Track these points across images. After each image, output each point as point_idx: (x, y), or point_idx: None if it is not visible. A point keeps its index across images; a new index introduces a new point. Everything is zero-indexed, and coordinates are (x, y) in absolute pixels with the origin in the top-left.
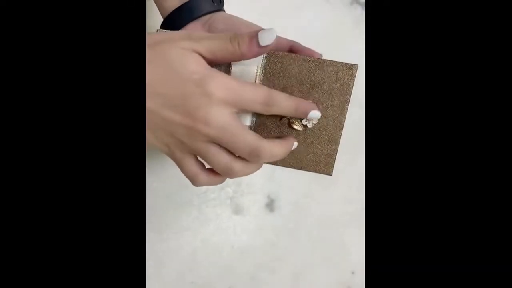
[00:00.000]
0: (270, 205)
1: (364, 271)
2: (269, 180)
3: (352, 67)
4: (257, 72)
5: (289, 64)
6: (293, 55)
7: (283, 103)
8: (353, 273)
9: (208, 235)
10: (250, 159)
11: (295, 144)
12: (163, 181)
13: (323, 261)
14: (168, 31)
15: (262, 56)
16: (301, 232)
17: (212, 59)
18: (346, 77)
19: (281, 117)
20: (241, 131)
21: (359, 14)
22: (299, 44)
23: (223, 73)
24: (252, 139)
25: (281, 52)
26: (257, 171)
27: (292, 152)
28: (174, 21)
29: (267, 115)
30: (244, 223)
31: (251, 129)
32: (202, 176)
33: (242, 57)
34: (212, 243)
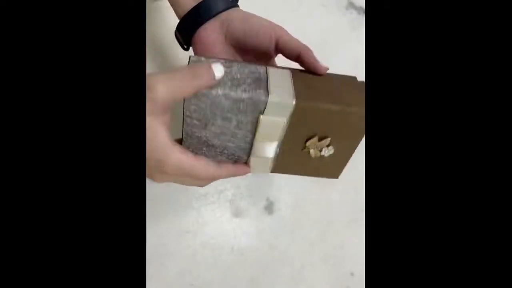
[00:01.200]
0: (269, 208)
1: (362, 272)
2: (268, 183)
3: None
4: (285, 121)
5: (314, 112)
6: (319, 105)
7: (223, 176)
8: (352, 274)
9: (207, 238)
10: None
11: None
12: (163, 184)
13: (322, 263)
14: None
15: (291, 109)
16: (300, 234)
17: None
18: (359, 121)
19: (302, 148)
20: (202, 168)
21: (355, 18)
22: (308, 52)
23: (179, 152)
24: (212, 172)
25: (308, 103)
26: (257, 174)
27: (307, 166)
28: (192, 19)
29: (289, 145)
30: (243, 225)
31: (275, 156)
32: None
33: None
34: (211, 246)
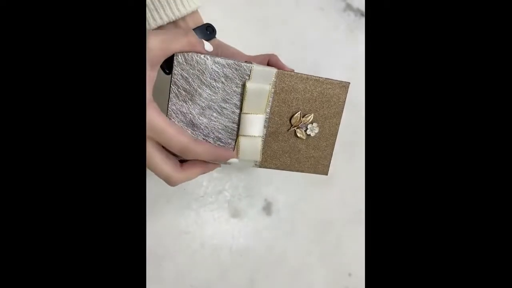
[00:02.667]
0: (267, 208)
1: (360, 272)
2: (266, 183)
3: (345, 85)
4: (269, 89)
5: (295, 82)
6: (300, 74)
7: (202, 155)
8: (350, 274)
9: (206, 239)
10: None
11: (234, 160)
12: (162, 185)
13: (320, 263)
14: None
15: (273, 76)
16: (298, 235)
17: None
18: (341, 93)
19: (288, 128)
20: (159, 162)
21: (352, 21)
22: (275, 57)
23: (155, 110)
24: (166, 171)
25: (289, 72)
26: (255, 175)
27: (296, 158)
28: None
29: (276, 125)
30: (242, 226)
31: (263, 138)
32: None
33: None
34: (210, 246)
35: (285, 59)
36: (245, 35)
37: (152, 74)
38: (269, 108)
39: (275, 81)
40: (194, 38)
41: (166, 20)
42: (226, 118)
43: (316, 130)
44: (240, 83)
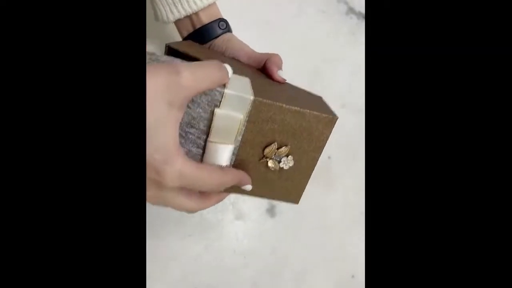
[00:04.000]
0: (271, 211)
1: (363, 274)
2: None
3: (332, 120)
4: (242, 118)
5: (274, 113)
6: (279, 104)
7: (232, 181)
8: (353, 276)
9: (210, 241)
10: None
11: (248, 186)
12: None
13: (323, 265)
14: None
15: (249, 104)
16: (302, 237)
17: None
18: (325, 128)
19: (260, 157)
20: (187, 204)
21: (355, 23)
22: (276, 57)
23: (184, 159)
24: (192, 208)
25: (267, 101)
26: None
27: (266, 185)
28: (196, 39)
29: (246, 154)
30: (245, 228)
31: (230, 165)
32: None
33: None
34: (214, 248)
35: (287, 62)
36: (247, 38)
37: (180, 115)
38: (240, 137)
39: (251, 110)
40: (225, 72)
41: (183, 13)
42: (191, 142)
43: (291, 164)
44: (209, 108)
